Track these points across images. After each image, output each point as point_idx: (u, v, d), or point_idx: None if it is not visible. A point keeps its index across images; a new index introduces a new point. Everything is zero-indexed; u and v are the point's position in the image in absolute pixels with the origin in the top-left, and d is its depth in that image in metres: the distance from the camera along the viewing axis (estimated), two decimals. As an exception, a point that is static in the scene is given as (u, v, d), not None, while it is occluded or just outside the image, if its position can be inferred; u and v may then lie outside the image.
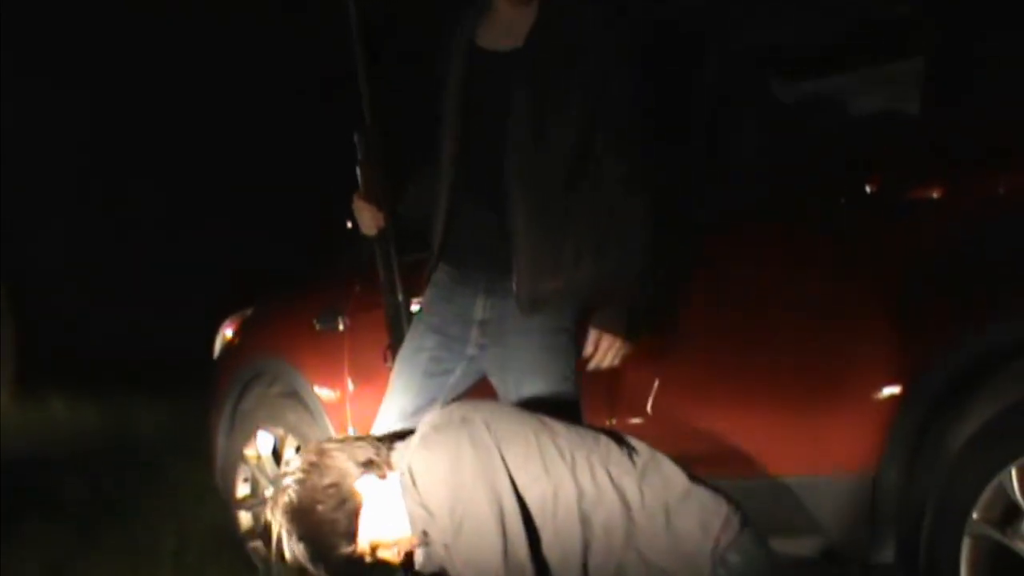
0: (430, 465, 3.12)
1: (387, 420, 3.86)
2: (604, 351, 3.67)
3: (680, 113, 4.18)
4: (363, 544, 3.21)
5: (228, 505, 5.54)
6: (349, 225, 4.14)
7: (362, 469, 3.22)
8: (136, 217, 14.82)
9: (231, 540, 5.51)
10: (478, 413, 3.18)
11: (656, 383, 3.92)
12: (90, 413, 10.42)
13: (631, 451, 3.16)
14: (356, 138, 3.98)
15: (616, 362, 3.69)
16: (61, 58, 13.99)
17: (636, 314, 3.67)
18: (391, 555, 3.25)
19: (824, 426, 3.61)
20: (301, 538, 3.21)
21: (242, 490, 5.43)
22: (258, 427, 5.35)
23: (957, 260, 3.45)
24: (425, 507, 3.14)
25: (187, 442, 7.62)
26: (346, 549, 3.21)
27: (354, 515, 3.20)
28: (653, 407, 3.93)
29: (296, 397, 5.18)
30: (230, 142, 14.20)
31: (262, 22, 13.74)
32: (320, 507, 3.19)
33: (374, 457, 3.25)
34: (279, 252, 12.30)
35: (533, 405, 3.53)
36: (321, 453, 3.26)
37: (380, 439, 3.34)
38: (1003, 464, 3.27)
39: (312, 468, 3.23)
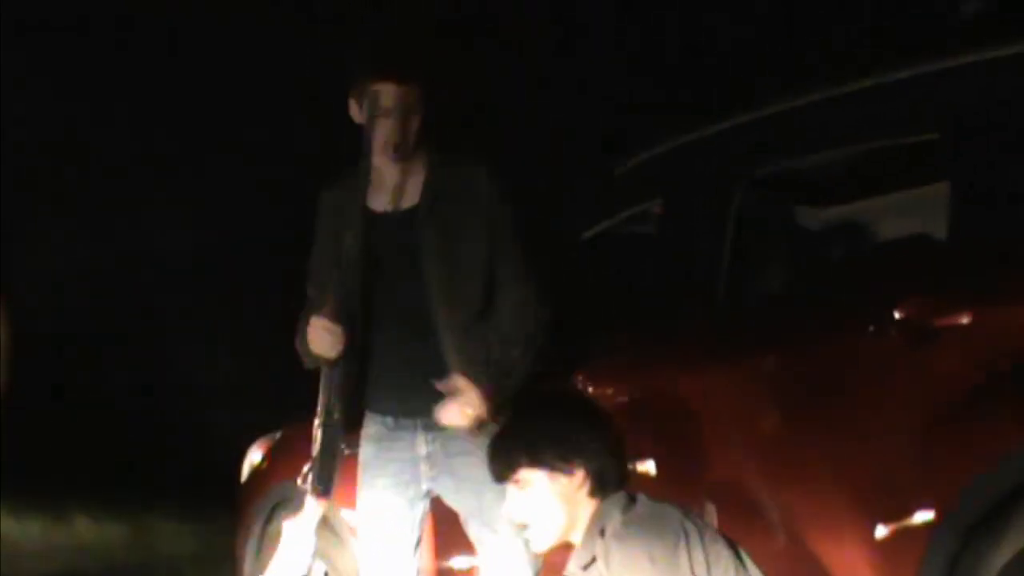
0: (636, 557, 3.31)
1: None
2: (462, 404, 3.85)
3: (706, 241, 4.21)
4: (525, 480, 3.52)
5: (255, 630, 5.50)
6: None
7: (590, 473, 3.50)
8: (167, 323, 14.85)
9: (258, 666, 5.46)
10: (691, 521, 3.39)
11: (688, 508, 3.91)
12: (115, 532, 10.39)
13: None
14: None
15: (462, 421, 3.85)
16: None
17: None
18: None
19: (857, 552, 3.59)
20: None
21: (269, 614, 5.40)
22: (286, 552, 5.32)
23: (988, 385, 3.43)
24: None
25: (213, 563, 7.60)
26: (518, 461, 3.52)
27: (542, 465, 3.49)
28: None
29: (323, 522, 5.15)
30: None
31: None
32: (542, 416, 3.62)
33: (610, 479, 3.52)
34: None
35: (494, 517, 3.89)
36: (594, 423, 3.59)
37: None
38: (1039, 593, 3.25)
39: (583, 413, 3.63)
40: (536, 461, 3.51)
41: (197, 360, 14.26)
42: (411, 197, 4.04)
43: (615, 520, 3.43)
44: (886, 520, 3.53)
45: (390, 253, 4.03)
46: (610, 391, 4.25)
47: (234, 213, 14.19)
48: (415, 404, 3.99)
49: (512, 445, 3.58)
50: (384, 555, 4.12)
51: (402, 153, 4.00)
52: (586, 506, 3.51)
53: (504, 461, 3.58)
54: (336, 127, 4.23)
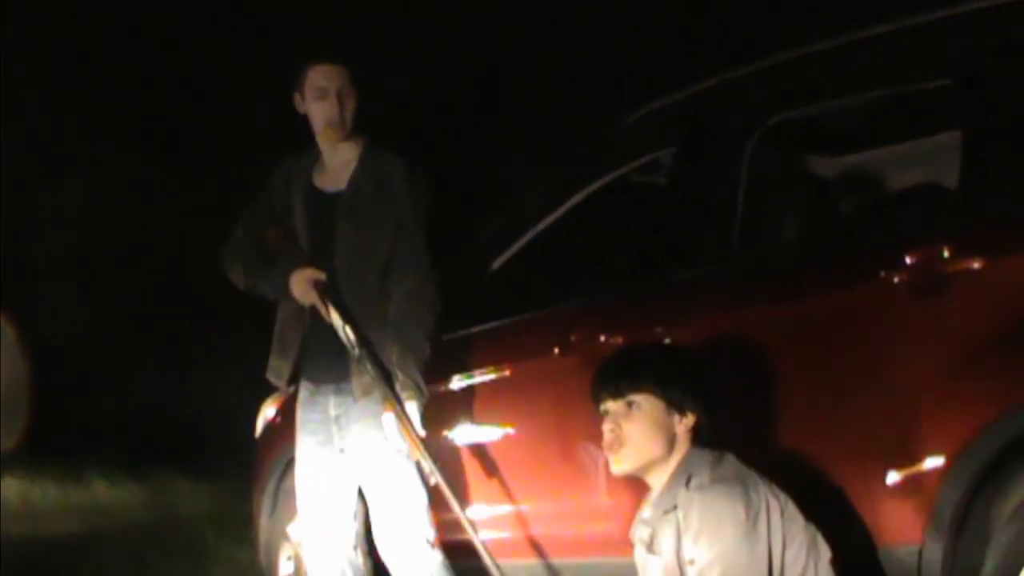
0: (718, 514, 3.41)
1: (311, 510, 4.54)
2: (411, 412, 4.22)
3: (719, 190, 4.20)
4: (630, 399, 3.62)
5: (271, 584, 5.53)
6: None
7: (699, 421, 3.63)
8: (174, 291, 14.88)
9: (275, 618, 5.50)
10: (774, 494, 3.46)
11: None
12: (131, 492, 10.45)
13: None
14: None
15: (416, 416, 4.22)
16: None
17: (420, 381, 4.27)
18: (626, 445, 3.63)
19: (869, 498, 3.60)
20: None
21: (285, 569, 5.42)
22: (301, 506, 5.33)
23: (1000, 332, 3.43)
24: (682, 537, 3.45)
25: (230, 520, 7.63)
26: (645, 385, 3.63)
27: (665, 397, 3.62)
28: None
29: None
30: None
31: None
32: (681, 354, 3.85)
33: (708, 432, 3.63)
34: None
35: (388, 488, 4.31)
36: (714, 378, 3.73)
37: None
38: (1049, 535, 3.24)
39: (710, 367, 3.78)
40: (662, 390, 3.61)
41: (209, 326, 14.31)
42: (341, 182, 4.48)
43: (704, 474, 3.51)
44: (898, 465, 3.54)
45: (323, 229, 4.47)
46: (620, 339, 4.25)
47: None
48: (329, 373, 4.46)
49: (644, 367, 3.67)
50: (314, 505, 4.54)
51: (340, 133, 4.41)
52: (679, 449, 3.61)
53: (630, 378, 3.65)
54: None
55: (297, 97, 4.49)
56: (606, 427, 3.68)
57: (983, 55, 3.72)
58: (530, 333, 4.67)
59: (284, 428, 5.71)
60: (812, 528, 3.47)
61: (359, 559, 4.55)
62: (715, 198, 4.22)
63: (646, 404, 3.62)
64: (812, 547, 3.44)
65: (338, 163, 4.49)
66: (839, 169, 4.92)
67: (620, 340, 4.22)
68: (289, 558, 5.40)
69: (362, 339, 4.30)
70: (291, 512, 5.38)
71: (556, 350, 4.46)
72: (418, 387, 4.24)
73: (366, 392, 4.33)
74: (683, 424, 3.62)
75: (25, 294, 13.49)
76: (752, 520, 3.38)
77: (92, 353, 14.29)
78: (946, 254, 3.54)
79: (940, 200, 4.11)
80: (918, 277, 3.59)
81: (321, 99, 4.41)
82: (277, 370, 4.58)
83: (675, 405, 3.62)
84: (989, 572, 3.32)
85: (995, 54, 3.69)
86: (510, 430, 4.66)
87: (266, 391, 6.12)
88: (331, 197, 4.47)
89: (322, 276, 4.37)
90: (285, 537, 5.40)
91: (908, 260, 3.60)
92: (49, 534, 8.32)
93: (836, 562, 3.46)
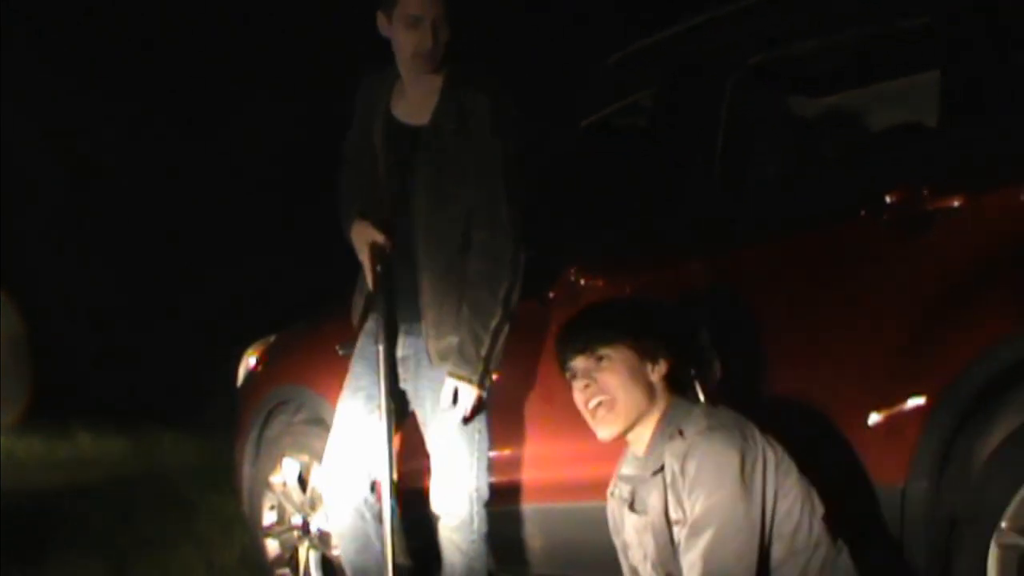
0: (720, 460, 3.30)
1: (337, 451, 4.30)
2: (461, 400, 4.04)
3: (699, 131, 4.18)
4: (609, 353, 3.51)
5: (255, 533, 5.54)
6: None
7: (672, 368, 3.54)
8: (156, 249, 14.86)
9: (259, 568, 5.51)
10: (771, 447, 3.37)
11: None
12: (116, 445, 10.45)
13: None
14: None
15: (469, 408, 4.05)
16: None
17: (487, 365, 4.05)
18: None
19: (851, 438, 3.59)
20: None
21: (269, 518, 5.43)
22: (283, 455, 5.34)
23: (980, 270, 3.42)
24: (678, 492, 3.36)
25: (213, 471, 7.64)
26: (616, 337, 3.52)
27: (637, 348, 3.51)
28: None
29: (321, 424, 5.16)
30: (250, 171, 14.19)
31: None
32: (649, 302, 3.74)
33: (685, 379, 3.56)
34: (303, 278, 12.31)
35: (442, 440, 4.11)
36: (688, 323, 3.66)
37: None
38: (1031, 473, 3.24)
39: (683, 312, 3.75)
40: (633, 339, 3.51)
41: (194, 278, 14.30)
42: (422, 116, 4.14)
43: (699, 422, 3.40)
44: (881, 405, 3.53)
45: (403, 163, 4.16)
46: (602, 283, 4.24)
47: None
48: (402, 311, 4.18)
49: (610, 319, 3.57)
50: (345, 436, 4.28)
51: (429, 65, 4.08)
52: (659, 401, 3.51)
53: (599, 332, 3.54)
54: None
55: (382, 18, 4.13)
56: (578, 385, 3.56)
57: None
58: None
59: (265, 376, 5.73)
60: (806, 482, 3.40)
61: (375, 503, 4.27)
62: (695, 139, 4.20)
63: (617, 355, 3.50)
64: (807, 501, 3.37)
65: (420, 93, 4.15)
66: (819, 109, 4.91)
67: (600, 284, 4.22)
68: (272, 507, 5.41)
69: (391, 330, 4.14)
70: (273, 461, 5.40)
71: (538, 295, 4.45)
72: (470, 370, 4.02)
73: (444, 358, 4.08)
74: (657, 372, 3.52)
75: (8, 249, 13.47)
76: (749, 472, 3.29)
77: (76, 307, 14.28)
78: (926, 193, 3.52)
79: (920, 139, 4.09)
80: (898, 217, 3.57)
81: (412, 27, 4.06)
82: (355, 305, 4.35)
83: (648, 353, 3.51)
84: (971, 510, 3.32)
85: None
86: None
87: (247, 341, 6.12)
88: (411, 131, 4.15)
89: (380, 239, 4.14)
90: (268, 487, 5.40)
91: (888, 199, 3.59)
92: (34, 487, 8.31)
93: (828, 517, 3.40)
